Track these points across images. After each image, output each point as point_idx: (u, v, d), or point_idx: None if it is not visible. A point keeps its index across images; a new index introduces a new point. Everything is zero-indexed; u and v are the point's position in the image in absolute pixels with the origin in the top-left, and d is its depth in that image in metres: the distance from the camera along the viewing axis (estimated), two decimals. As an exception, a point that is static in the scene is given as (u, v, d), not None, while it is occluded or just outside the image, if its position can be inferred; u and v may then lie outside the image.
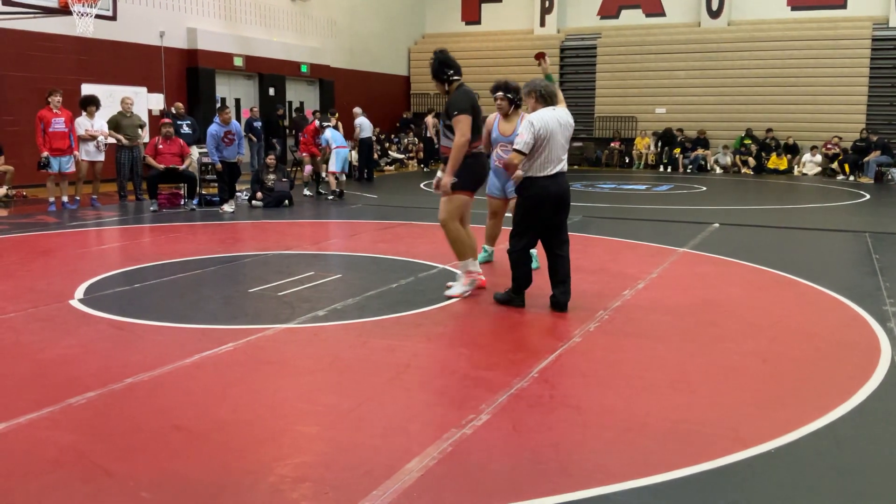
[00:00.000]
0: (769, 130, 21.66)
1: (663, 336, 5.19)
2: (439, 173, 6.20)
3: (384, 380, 4.27)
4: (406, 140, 23.77)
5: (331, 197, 13.70)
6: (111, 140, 12.86)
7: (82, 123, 12.31)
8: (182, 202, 12.43)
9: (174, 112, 14.85)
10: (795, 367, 4.59)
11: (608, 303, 6.04)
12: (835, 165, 19.87)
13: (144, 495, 2.94)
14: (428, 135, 21.22)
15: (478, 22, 26.62)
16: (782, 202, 14.15)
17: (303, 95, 21.86)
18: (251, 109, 18.58)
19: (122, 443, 3.42)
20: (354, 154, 17.41)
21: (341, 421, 3.70)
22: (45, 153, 11.42)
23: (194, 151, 13.51)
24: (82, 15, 12.26)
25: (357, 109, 17.57)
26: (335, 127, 14.64)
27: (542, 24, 25.30)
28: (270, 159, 12.77)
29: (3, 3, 12.15)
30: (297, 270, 7.21)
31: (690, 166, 21.72)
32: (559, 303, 5.77)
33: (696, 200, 14.18)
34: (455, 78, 6.16)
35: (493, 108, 6.97)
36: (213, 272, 7.30)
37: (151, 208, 11.82)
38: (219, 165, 11.74)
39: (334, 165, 13.80)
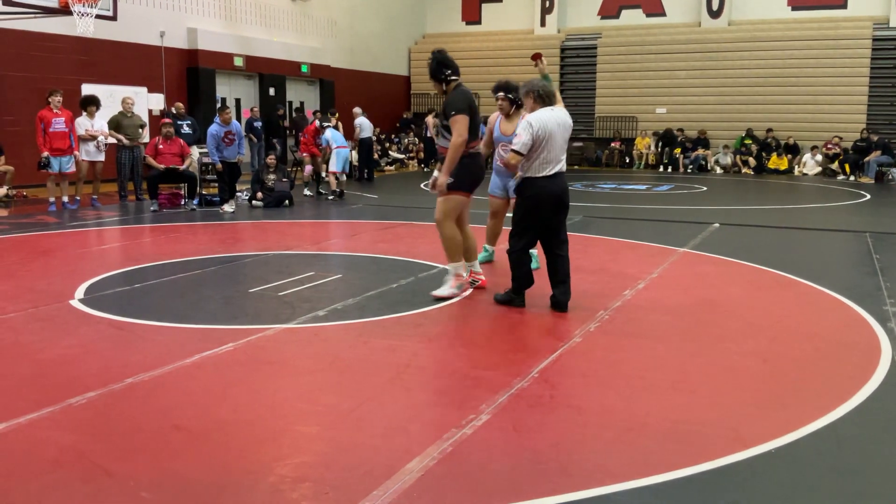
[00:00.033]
0: (769, 130, 21.65)
1: (663, 336, 5.19)
2: (436, 173, 6.21)
3: (384, 380, 4.27)
4: (406, 140, 23.78)
5: (331, 197, 13.70)
6: (111, 140, 12.87)
7: (82, 123, 12.31)
8: (182, 202, 12.44)
9: (174, 112, 14.85)
10: (796, 367, 4.59)
11: (608, 303, 6.04)
12: (835, 165, 19.87)
13: (144, 495, 2.95)
14: (428, 135, 21.18)
15: (478, 22, 26.62)
16: (783, 202, 14.14)
17: (303, 95, 21.86)
18: (251, 109, 18.58)
19: (122, 443, 3.42)
20: (355, 154, 17.42)
21: (341, 421, 3.70)
22: (46, 153, 11.43)
23: (194, 151, 13.50)
24: (82, 15, 12.27)
25: (357, 109, 17.57)
26: (335, 127, 14.64)
27: (543, 23, 25.30)
28: (271, 159, 12.77)
29: (4, 3, 12.15)
30: (297, 270, 7.21)
31: (691, 166, 21.72)
32: (559, 303, 5.77)
33: (696, 200, 14.18)
34: (453, 78, 6.14)
35: (495, 108, 6.99)
36: (213, 272, 7.31)
37: (152, 208, 11.82)
38: (219, 165, 11.75)
39: (335, 165, 13.80)
